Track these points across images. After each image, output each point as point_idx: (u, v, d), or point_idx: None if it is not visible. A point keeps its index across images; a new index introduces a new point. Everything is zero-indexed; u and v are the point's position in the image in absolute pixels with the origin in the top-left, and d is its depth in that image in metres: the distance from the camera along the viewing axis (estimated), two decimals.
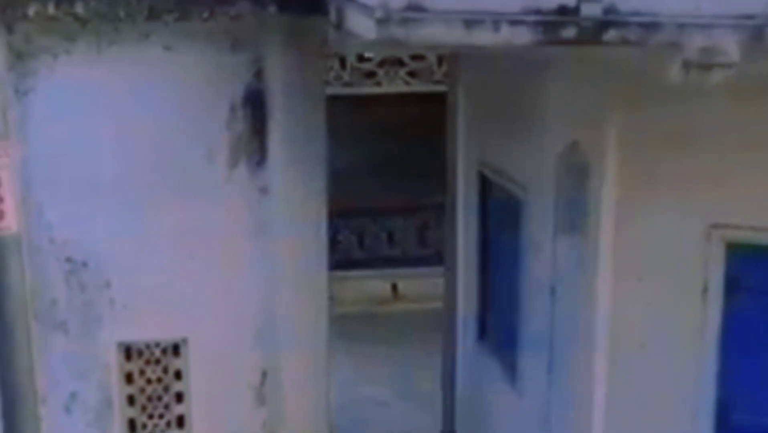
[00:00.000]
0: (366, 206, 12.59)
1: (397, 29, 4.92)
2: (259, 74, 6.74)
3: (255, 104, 6.75)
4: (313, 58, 7.06)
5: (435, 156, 13.54)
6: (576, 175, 5.99)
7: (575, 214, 6.01)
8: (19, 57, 6.41)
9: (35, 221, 6.60)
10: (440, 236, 13.67)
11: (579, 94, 5.91)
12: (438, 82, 12.81)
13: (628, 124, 5.64)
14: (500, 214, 7.50)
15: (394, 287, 13.92)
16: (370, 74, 13.06)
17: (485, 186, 7.78)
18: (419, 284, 14.02)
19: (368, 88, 12.86)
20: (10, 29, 6.36)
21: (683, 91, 4.96)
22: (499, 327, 7.57)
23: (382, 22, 4.93)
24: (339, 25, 6.05)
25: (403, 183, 13.00)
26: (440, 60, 12.74)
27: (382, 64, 12.18)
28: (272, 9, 6.42)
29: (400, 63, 12.58)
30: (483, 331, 8.02)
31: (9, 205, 4.06)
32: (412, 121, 13.06)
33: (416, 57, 12.58)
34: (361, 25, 5.19)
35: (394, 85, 12.52)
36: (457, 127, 8.35)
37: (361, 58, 12.87)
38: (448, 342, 8.74)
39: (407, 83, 12.66)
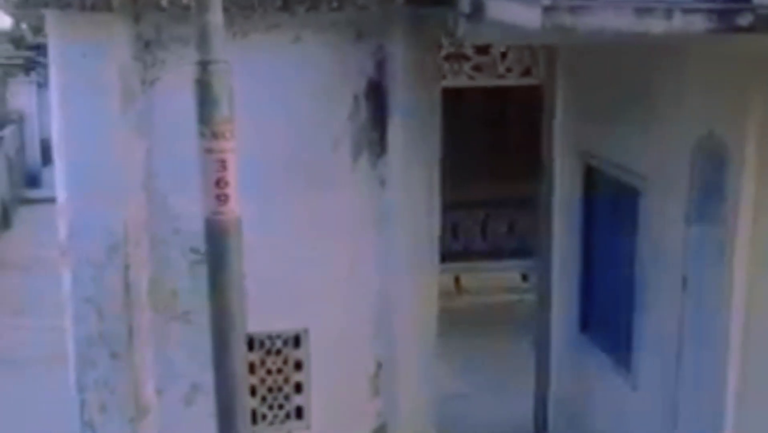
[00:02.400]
0: None
1: (566, 17, 4.92)
2: (380, 66, 6.74)
3: (377, 95, 6.75)
4: (432, 50, 7.06)
5: (499, 150, 13.68)
6: (712, 164, 5.98)
7: (710, 204, 6.00)
8: (146, 46, 6.41)
9: (159, 211, 6.62)
10: (498, 230, 13.79)
11: (717, 83, 5.89)
12: (501, 76, 12.80)
13: None
14: (610, 205, 7.49)
15: (457, 281, 13.94)
16: None
17: (590, 178, 7.77)
18: (480, 278, 14.08)
19: None
20: (137, 19, 6.36)
21: None
22: (608, 319, 7.56)
23: (549, 10, 4.94)
24: (474, 15, 6.07)
25: (463, 178, 13.00)
26: (504, 54, 12.73)
27: (447, 58, 12.14)
28: None
29: (465, 57, 12.56)
30: (585, 323, 8.02)
31: (234, 190, 4.04)
32: (476, 115, 13.06)
33: (480, 51, 12.55)
34: (520, 15, 5.19)
35: (459, 79, 12.49)
36: (555, 120, 8.34)
37: None
38: (541, 335, 8.73)
39: (471, 78, 12.63)
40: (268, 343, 6.85)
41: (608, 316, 7.60)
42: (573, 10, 4.89)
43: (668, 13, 4.77)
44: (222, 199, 4.21)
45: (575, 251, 8.05)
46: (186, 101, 6.40)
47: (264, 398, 6.92)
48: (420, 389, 7.29)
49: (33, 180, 20.36)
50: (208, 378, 6.81)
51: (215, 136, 4.16)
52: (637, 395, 7.06)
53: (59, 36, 6.54)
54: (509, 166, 12.64)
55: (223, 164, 4.17)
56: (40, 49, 23.29)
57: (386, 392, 7.15)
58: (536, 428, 8.96)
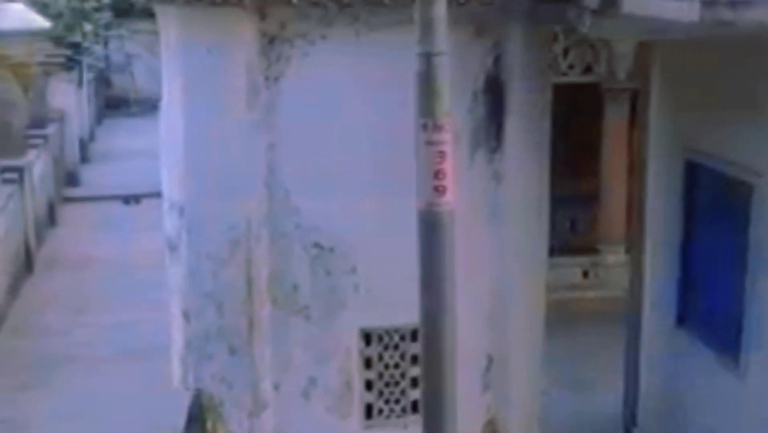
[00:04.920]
0: None
1: (725, 12, 4.97)
2: (498, 61, 6.77)
3: (493, 90, 6.78)
4: (545, 46, 7.10)
5: (561, 148, 13.64)
6: None
7: None
8: (271, 42, 6.45)
9: (281, 206, 6.65)
10: (560, 227, 13.78)
11: None
12: (563, 74, 12.81)
13: None
14: (715, 199, 7.51)
15: None
16: None
17: (691, 173, 7.80)
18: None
19: None
20: (262, 15, 6.40)
21: None
22: (712, 313, 7.58)
23: (709, 5, 4.98)
24: (604, 10, 6.09)
25: None
26: (566, 51, 12.74)
27: None
28: None
29: None
30: (683, 318, 8.04)
31: (450, 181, 4.07)
32: None
33: None
34: (671, 9, 5.22)
35: None
36: (649, 117, 8.36)
37: None
38: (631, 331, 8.76)
39: None
40: (386, 338, 6.88)
41: (712, 310, 7.62)
42: (733, 4, 4.93)
43: None
44: (440, 190, 4.24)
45: (673, 246, 8.07)
46: (310, 97, 6.53)
47: (381, 393, 6.95)
48: (528, 383, 7.33)
49: (72, 179, 20.39)
50: (325, 372, 6.92)
51: (436, 128, 4.18)
52: (747, 388, 7.08)
53: (181, 32, 6.58)
54: (571, 163, 12.66)
55: (441, 156, 4.20)
56: (77, 47, 23.45)
57: (496, 387, 7.18)
58: (625, 424, 8.98)
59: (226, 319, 6.72)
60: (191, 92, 6.57)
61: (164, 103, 7.20)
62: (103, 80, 29.20)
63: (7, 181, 14.14)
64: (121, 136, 25.65)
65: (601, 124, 13.16)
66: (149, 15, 25.45)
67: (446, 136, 4.20)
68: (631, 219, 13.27)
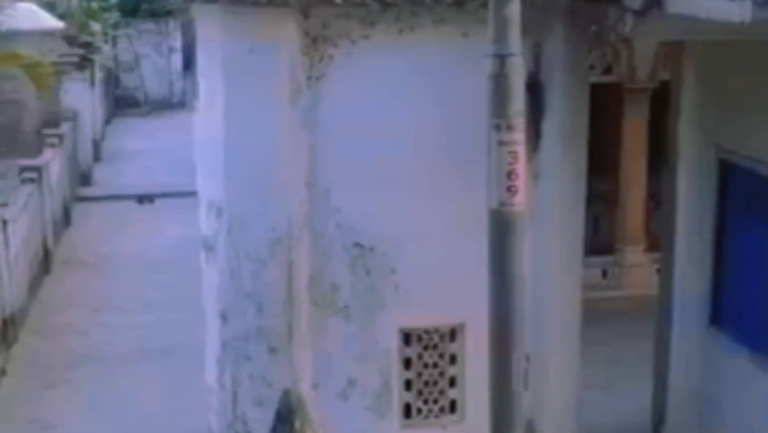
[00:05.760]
0: None
1: None
2: (538, 60, 6.78)
3: (534, 90, 6.77)
4: (583, 46, 7.11)
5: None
6: None
7: None
8: (314, 42, 6.46)
9: (321, 206, 6.67)
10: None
11: None
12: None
13: None
14: (751, 198, 7.51)
15: None
16: None
17: (725, 172, 7.80)
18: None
19: None
20: (305, 14, 6.40)
21: None
22: (749, 312, 7.58)
23: (761, 4, 4.98)
24: (648, 11, 6.10)
25: None
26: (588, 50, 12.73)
27: None
28: None
29: None
30: (716, 317, 8.04)
31: (522, 182, 4.08)
32: None
33: None
34: (719, 9, 5.22)
35: None
36: (681, 116, 8.35)
37: None
38: (661, 330, 8.76)
39: None
40: (425, 338, 6.89)
41: (746, 309, 7.62)
42: None
43: None
44: (512, 190, 4.24)
45: (705, 245, 8.07)
46: (351, 97, 6.54)
47: (420, 392, 6.96)
48: (565, 383, 7.34)
49: (85, 178, 20.38)
50: (364, 372, 6.92)
51: (510, 128, 4.19)
52: None
53: (224, 32, 6.57)
54: (591, 163, 12.63)
55: (514, 156, 4.21)
56: (89, 47, 23.43)
57: (534, 387, 7.17)
58: (654, 423, 8.98)
59: (266, 319, 6.73)
60: (233, 92, 6.56)
61: (200, 104, 7.20)
62: (111, 80, 29.20)
63: (26, 181, 14.14)
64: (131, 136, 25.66)
65: (621, 124, 13.17)
66: (155, 15, 25.29)
67: (519, 137, 4.21)
68: (650, 219, 13.43)
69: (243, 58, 6.45)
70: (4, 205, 12.33)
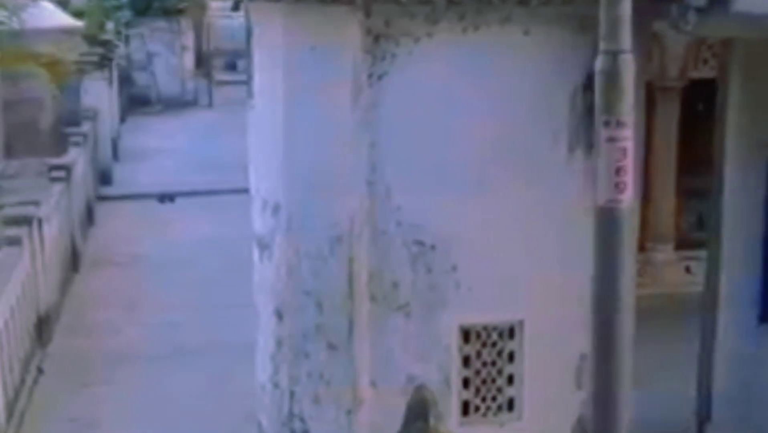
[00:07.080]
0: None
1: None
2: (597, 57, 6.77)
3: (593, 88, 6.75)
4: (644, 42, 7.09)
5: None
6: None
7: None
8: (376, 40, 6.45)
9: (383, 204, 6.66)
10: None
11: None
12: None
13: None
14: None
15: None
16: None
17: None
18: None
19: None
20: (367, 12, 6.40)
21: None
22: None
23: None
24: (713, 8, 6.11)
25: None
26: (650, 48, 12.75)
27: None
28: None
29: None
30: (766, 315, 8.05)
31: (631, 178, 4.09)
32: None
33: None
34: None
35: None
36: (728, 114, 8.36)
37: None
38: (707, 328, 8.76)
39: None
40: (484, 335, 6.89)
41: None
42: None
43: None
44: (620, 187, 4.25)
45: (754, 243, 8.09)
46: (413, 96, 6.54)
47: (478, 390, 6.95)
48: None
49: (105, 177, 20.39)
50: (424, 370, 6.92)
51: (619, 125, 4.20)
52: None
53: (285, 30, 6.58)
54: None
55: (624, 153, 4.22)
56: (107, 45, 23.46)
57: (588, 384, 7.18)
58: (699, 420, 8.99)
59: (326, 317, 6.74)
60: (293, 90, 6.58)
61: (256, 102, 7.21)
62: (125, 78, 29.20)
63: (54, 180, 14.15)
64: (146, 135, 25.65)
65: (651, 121, 13.17)
66: (167, 13, 25.40)
67: (628, 133, 4.22)
68: (680, 217, 13.46)
69: (305, 56, 6.46)
70: (37, 203, 12.34)
